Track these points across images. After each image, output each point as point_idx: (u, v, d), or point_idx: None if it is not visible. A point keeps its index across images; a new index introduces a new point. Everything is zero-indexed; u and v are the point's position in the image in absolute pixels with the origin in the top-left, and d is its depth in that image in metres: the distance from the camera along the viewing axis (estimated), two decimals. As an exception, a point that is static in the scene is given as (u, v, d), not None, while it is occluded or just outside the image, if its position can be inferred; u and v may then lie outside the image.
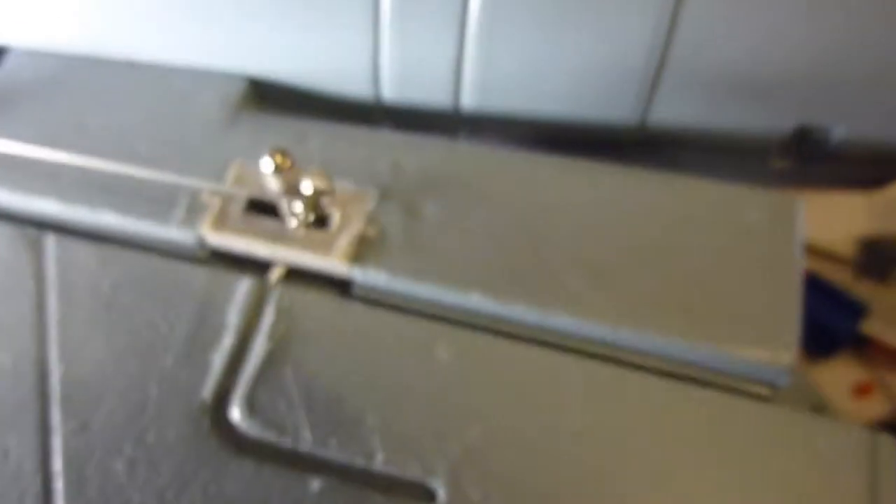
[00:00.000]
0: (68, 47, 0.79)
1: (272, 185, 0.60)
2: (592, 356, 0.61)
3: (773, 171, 0.77)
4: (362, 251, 0.64)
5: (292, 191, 0.60)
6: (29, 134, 0.73)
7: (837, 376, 1.27)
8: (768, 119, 0.71)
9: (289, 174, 0.58)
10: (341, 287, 0.65)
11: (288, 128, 0.72)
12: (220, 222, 0.65)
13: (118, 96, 0.76)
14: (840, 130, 0.72)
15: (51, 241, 0.67)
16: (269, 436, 0.57)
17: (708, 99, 0.70)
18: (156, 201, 0.67)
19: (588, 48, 0.68)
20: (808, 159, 0.76)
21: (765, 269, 0.62)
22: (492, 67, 0.70)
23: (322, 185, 0.60)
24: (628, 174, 0.68)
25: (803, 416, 0.59)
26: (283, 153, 0.58)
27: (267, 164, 0.57)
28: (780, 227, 0.64)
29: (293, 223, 0.61)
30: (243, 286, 0.63)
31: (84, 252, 0.66)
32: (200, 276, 0.64)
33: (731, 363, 0.60)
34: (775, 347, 0.58)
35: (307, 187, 0.60)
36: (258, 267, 0.66)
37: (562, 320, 0.61)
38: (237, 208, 0.66)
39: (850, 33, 0.64)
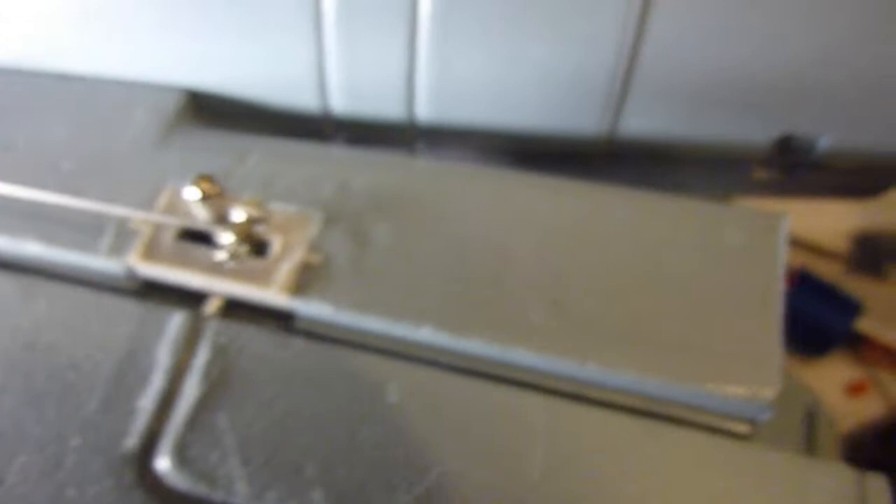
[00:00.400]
0: (-3, 60, 0.73)
1: (200, 213, 0.54)
2: (557, 393, 0.56)
3: (756, 182, 0.72)
4: (305, 281, 0.58)
5: (222, 219, 0.55)
6: (-51, 155, 0.67)
7: (831, 375, 1.23)
8: (748, 129, 0.66)
9: (217, 202, 0.53)
10: (282, 320, 0.60)
11: (226, 145, 0.66)
12: (151, 251, 0.60)
13: (45, 111, 0.70)
14: (825, 140, 0.67)
15: (-31, 274, 0.61)
16: (199, 489, 0.52)
17: (681, 109, 0.65)
18: (82, 229, 0.62)
19: (551, 54, 0.62)
20: (792, 169, 0.70)
21: (745, 297, 0.57)
22: (447, 75, 0.65)
23: (254, 213, 0.54)
24: (598, 192, 0.63)
25: (788, 456, 0.54)
26: (209, 180, 0.52)
27: (192, 193, 0.52)
28: (762, 249, 0.59)
29: (225, 254, 0.55)
30: (175, 321, 0.58)
31: (4, 285, 0.60)
32: (129, 310, 0.59)
33: (709, 400, 0.55)
34: (756, 383, 0.53)
35: (238, 215, 0.55)
36: (193, 299, 0.61)
37: (524, 355, 0.56)
38: (169, 236, 0.60)
39: (832, 40, 0.59)
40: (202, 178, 0.52)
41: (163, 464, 0.53)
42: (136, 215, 0.60)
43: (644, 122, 0.66)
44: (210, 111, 0.72)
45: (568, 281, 0.58)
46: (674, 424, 0.55)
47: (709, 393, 0.54)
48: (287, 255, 0.59)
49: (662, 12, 0.58)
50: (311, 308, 0.58)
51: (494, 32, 0.61)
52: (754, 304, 0.56)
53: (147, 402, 0.55)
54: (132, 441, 0.54)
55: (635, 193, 0.62)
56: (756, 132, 0.66)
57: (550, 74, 0.63)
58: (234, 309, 0.60)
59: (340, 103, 0.69)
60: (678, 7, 0.58)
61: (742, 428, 0.56)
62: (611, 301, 0.57)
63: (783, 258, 0.58)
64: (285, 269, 0.58)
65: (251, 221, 0.55)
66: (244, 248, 0.55)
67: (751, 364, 0.54)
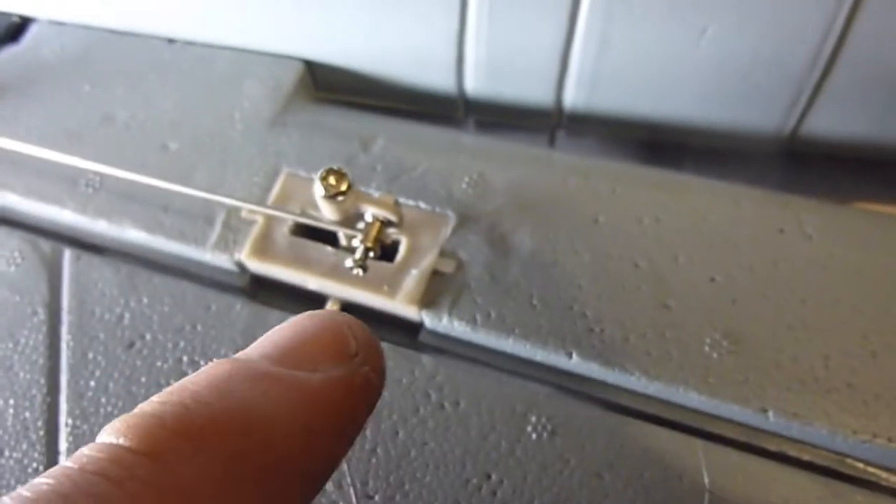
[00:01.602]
0: (99, 20, 0.67)
1: (326, 211, 0.47)
2: (727, 441, 0.47)
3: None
4: (435, 291, 0.51)
5: (351, 219, 0.48)
6: (50, 125, 0.62)
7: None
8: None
9: (346, 200, 0.46)
10: (408, 330, 0.53)
11: (348, 126, 0.59)
12: (264, 247, 0.53)
13: (151, 81, 0.64)
14: None
15: (67, 259, 0.56)
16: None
17: (881, 108, 0.54)
18: (189, 217, 0.56)
19: (738, 38, 0.52)
20: None
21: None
22: (607, 56, 0.55)
23: (389, 215, 0.47)
24: (783, 202, 0.53)
25: None
26: (340, 174, 0.45)
27: (319, 189, 0.45)
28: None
29: (354, 255, 0.48)
30: (289, 327, 0.52)
31: (104, 274, 0.55)
32: (239, 312, 0.53)
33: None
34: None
35: (369, 216, 0.47)
36: (308, 300, 0.54)
37: (692, 397, 0.47)
38: (285, 229, 0.53)
39: None
40: (332, 173, 0.45)
41: (274, 492, 0.47)
42: (249, 206, 0.53)
43: (837, 119, 0.55)
44: (329, 86, 0.64)
45: (747, 310, 0.49)
46: (867, 488, 0.46)
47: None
48: (415, 261, 0.51)
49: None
50: (442, 323, 0.51)
51: (671, 9, 0.51)
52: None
53: (257, 418, 0.49)
54: (240, 463, 0.48)
55: (829, 207, 0.52)
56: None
57: (732, 61, 0.53)
58: (354, 313, 0.53)
59: (477, 82, 0.60)
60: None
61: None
62: (799, 338, 0.48)
63: None
64: (413, 277, 0.51)
65: (384, 224, 0.47)
66: (373, 254, 0.48)
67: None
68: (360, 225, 0.49)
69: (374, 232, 0.47)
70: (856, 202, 0.59)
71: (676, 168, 0.56)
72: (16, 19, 0.70)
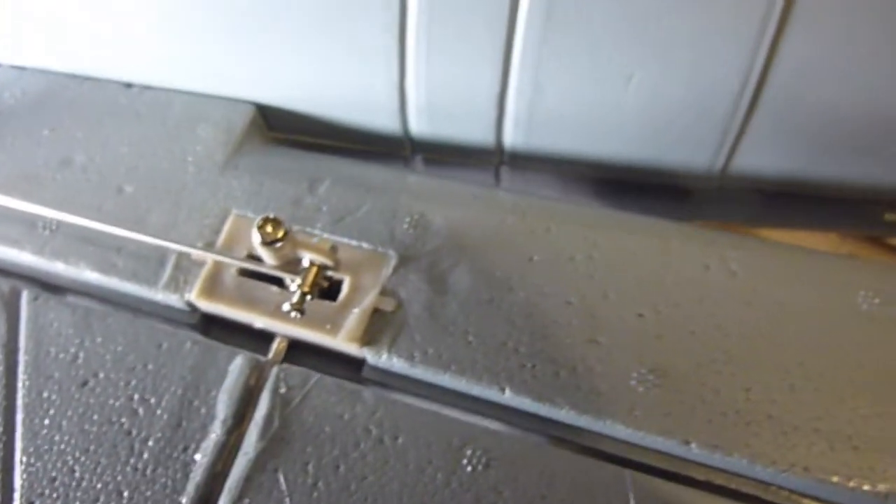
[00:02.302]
0: (58, 65, 0.69)
1: (265, 257, 0.49)
2: (654, 471, 0.49)
3: (887, 223, 0.63)
4: (375, 329, 0.53)
5: (291, 263, 0.50)
6: (10, 168, 0.64)
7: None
8: (879, 171, 0.57)
9: (284, 247, 0.48)
10: (352, 365, 0.55)
11: (296, 168, 0.61)
12: (213, 288, 0.55)
13: (109, 124, 0.66)
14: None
15: (25, 299, 0.58)
16: (256, 558, 0.48)
17: (806, 145, 0.56)
18: (142, 259, 0.58)
19: (664, 81, 0.54)
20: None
21: (879, 374, 0.49)
22: (541, 100, 0.58)
23: (324, 261, 0.49)
24: (710, 238, 0.55)
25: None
26: (276, 222, 0.47)
27: (257, 236, 0.47)
28: (900, 316, 0.51)
29: (291, 299, 0.50)
30: (237, 364, 0.53)
31: (60, 314, 0.57)
32: (189, 349, 0.54)
33: (833, 493, 0.47)
34: (890, 480, 0.46)
35: (307, 261, 0.49)
36: (255, 336, 0.56)
37: (619, 429, 0.49)
38: (232, 271, 0.56)
39: None
40: (268, 221, 0.47)
41: (218, 527, 0.49)
42: (198, 253, 0.55)
43: (762, 157, 0.58)
44: (281, 126, 0.67)
45: (673, 345, 0.51)
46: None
47: (833, 486, 0.47)
48: (357, 300, 0.54)
49: (795, 40, 0.50)
50: (382, 359, 0.53)
51: (599, 55, 0.54)
52: (891, 382, 0.49)
53: (204, 455, 0.51)
54: (187, 499, 0.50)
55: (753, 242, 0.55)
56: (887, 175, 0.57)
57: (660, 105, 0.55)
58: (299, 350, 0.56)
59: (421, 125, 0.63)
60: (812, 35, 0.50)
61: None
62: (721, 371, 0.50)
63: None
64: (355, 316, 0.53)
65: (320, 269, 0.49)
66: (310, 297, 0.50)
67: (885, 454, 0.47)
68: (301, 268, 0.51)
69: (311, 276, 0.49)
70: (784, 230, 0.62)
71: (618, 202, 0.59)
72: (-22, 64, 0.72)
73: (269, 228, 0.47)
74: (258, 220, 0.47)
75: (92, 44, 0.66)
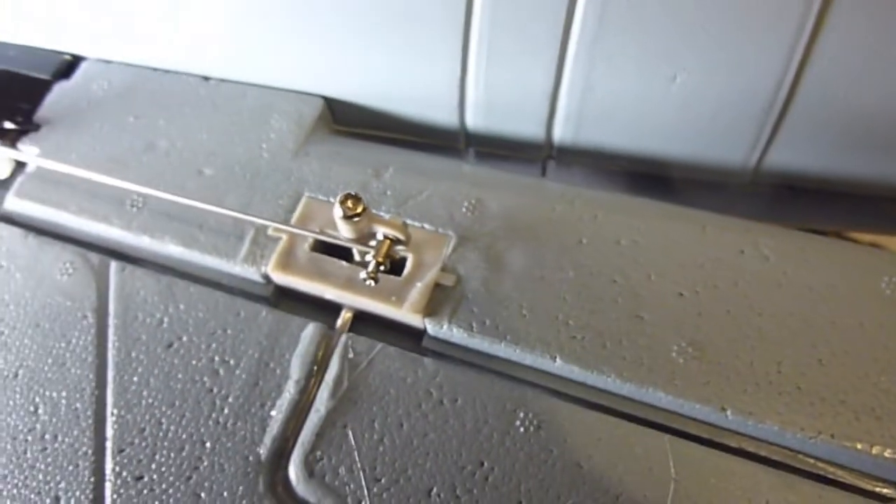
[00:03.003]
0: (142, 59, 0.75)
1: (343, 230, 0.55)
2: (692, 437, 0.54)
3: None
4: (436, 302, 0.58)
5: (364, 238, 0.55)
6: (98, 152, 0.70)
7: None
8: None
9: (361, 221, 0.53)
10: (412, 336, 0.60)
11: (362, 156, 0.66)
12: (287, 262, 0.60)
13: (189, 114, 0.72)
14: None
15: (113, 270, 0.63)
16: (327, 503, 0.53)
17: (837, 143, 0.61)
18: (222, 234, 0.63)
19: (704, 83, 0.59)
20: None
21: (900, 352, 0.54)
22: (590, 98, 0.63)
23: (397, 234, 0.54)
24: (745, 227, 0.60)
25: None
26: (356, 199, 0.52)
27: (338, 210, 0.52)
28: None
29: (363, 271, 0.55)
30: (308, 332, 0.59)
31: (146, 284, 0.62)
32: (264, 317, 0.60)
33: (855, 459, 0.51)
34: (908, 448, 0.50)
35: (380, 235, 0.55)
36: (324, 308, 0.61)
37: (659, 397, 0.54)
38: (305, 246, 0.61)
39: None
40: (350, 197, 0.52)
41: (293, 475, 0.54)
42: (275, 225, 0.61)
43: (793, 154, 0.62)
44: (346, 120, 0.72)
45: (710, 321, 0.56)
46: (813, 480, 0.52)
47: (856, 452, 0.51)
48: (420, 275, 0.59)
49: (829, 42, 0.55)
50: (442, 330, 0.58)
51: (646, 59, 0.59)
52: (913, 362, 0.53)
53: (279, 412, 0.56)
54: (264, 450, 0.55)
55: (785, 231, 0.59)
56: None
57: (699, 103, 0.60)
58: (365, 321, 0.61)
59: (477, 119, 0.68)
60: (846, 37, 0.54)
61: (888, 491, 0.52)
62: (755, 346, 0.55)
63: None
64: (418, 289, 0.58)
65: (393, 243, 0.55)
66: (383, 267, 0.55)
67: (905, 427, 0.51)
68: (372, 243, 0.56)
69: (384, 249, 0.55)
70: (812, 227, 0.66)
71: (656, 196, 0.63)
72: (67, 58, 0.78)
73: (349, 204, 0.52)
74: (340, 195, 0.52)
75: (173, 40, 0.72)
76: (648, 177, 0.69)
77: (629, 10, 0.56)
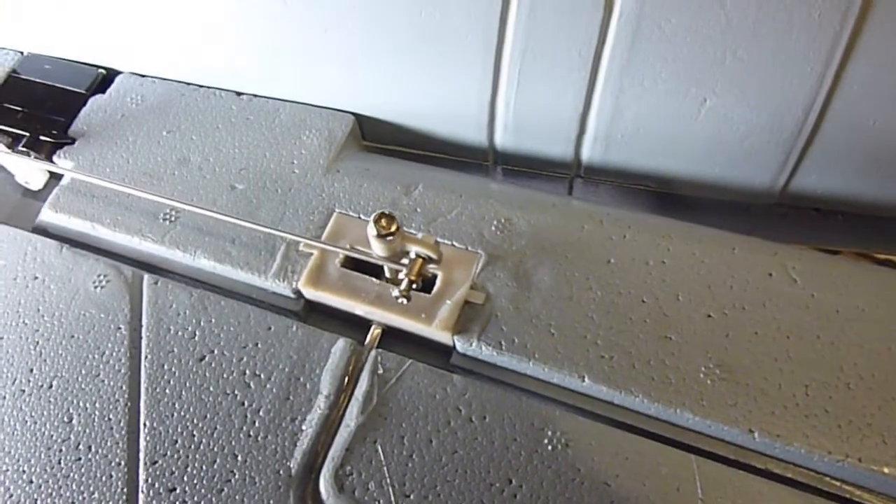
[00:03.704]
0: (176, 74, 0.77)
1: (376, 248, 0.55)
2: (718, 458, 0.54)
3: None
4: (466, 320, 0.59)
5: (396, 256, 0.56)
6: (132, 166, 0.71)
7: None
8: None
9: (395, 240, 0.54)
10: (442, 353, 0.61)
11: (392, 174, 0.67)
12: (318, 278, 0.61)
13: (221, 129, 0.73)
14: None
15: (146, 283, 0.64)
16: (357, 518, 0.53)
17: (864, 169, 0.61)
18: (254, 249, 0.64)
19: (733, 109, 0.60)
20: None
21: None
22: (619, 121, 0.64)
23: (430, 254, 0.55)
24: (772, 249, 0.60)
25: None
26: (390, 218, 0.53)
27: (373, 229, 0.53)
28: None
29: (395, 289, 0.56)
30: (339, 347, 0.59)
31: (179, 297, 0.63)
32: (294, 331, 0.61)
33: (883, 483, 0.52)
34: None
35: (413, 254, 0.55)
36: (354, 324, 0.62)
37: (687, 418, 0.54)
38: (336, 262, 0.62)
39: None
40: (384, 216, 0.53)
41: (323, 489, 0.54)
42: (307, 241, 0.62)
43: (821, 178, 0.63)
44: (376, 137, 0.73)
45: (738, 343, 0.56)
46: (840, 503, 0.53)
47: (883, 476, 0.51)
48: (450, 293, 0.59)
49: (859, 69, 0.55)
50: (471, 347, 0.58)
51: (676, 83, 0.60)
52: (941, 387, 0.53)
53: (309, 426, 0.57)
54: (294, 464, 0.55)
55: (812, 254, 0.60)
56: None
57: (728, 126, 0.61)
58: (394, 337, 0.61)
59: (506, 138, 0.69)
60: (875, 64, 0.55)
61: (913, 514, 0.53)
62: (783, 368, 0.55)
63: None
64: (448, 307, 0.59)
65: (425, 262, 0.55)
66: (416, 286, 0.56)
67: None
68: (404, 261, 0.57)
69: (417, 267, 0.55)
70: (839, 249, 0.67)
71: (681, 216, 0.64)
72: (102, 72, 0.79)
73: (383, 223, 0.53)
74: (375, 214, 0.53)
75: (207, 56, 0.74)
76: (674, 197, 0.70)
77: (660, 36, 0.57)
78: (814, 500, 0.52)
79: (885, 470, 0.51)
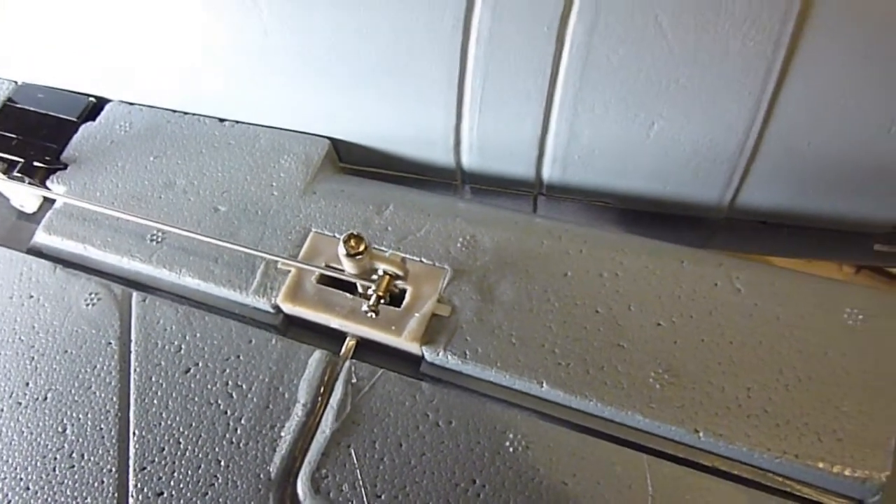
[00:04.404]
0: (162, 102, 0.81)
1: (347, 266, 0.60)
2: (667, 457, 0.58)
3: (876, 254, 0.72)
4: (433, 331, 0.63)
5: (367, 272, 0.60)
6: (121, 189, 0.75)
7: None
8: (868, 207, 0.67)
9: (363, 259, 0.58)
10: (412, 362, 0.65)
11: (365, 194, 0.72)
12: (295, 294, 0.65)
13: (205, 154, 0.77)
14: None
15: (135, 300, 0.69)
16: (332, 518, 0.57)
17: (803, 185, 0.66)
18: (235, 267, 0.68)
19: (680, 131, 0.65)
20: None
21: (864, 379, 0.58)
22: (575, 143, 0.68)
23: (397, 271, 0.59)
24: (717, 260, 0.65)
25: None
26: (359, 238, 0.57)
27: (342, 249, 0.57)
28: (880, 331, 0.60)
29: (365, 303, 0.60)
30: (315, 359, 0.64)
31: (166, 313, 0.67)
32: (274, 345, 0.65)
33: (818, 477, 0.56)
34: (868, 467, 0.54)
35: (381, 271, 0.60)
36: (329, 336, 0.66)
37: (637, 419, 0.59)
38: (312, 280, 0.66)
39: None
40: (353, 237, 0.57)
41: (300, 491, 0.58)
42: (284, 260, 0.66)
43: (764, 193, 0.67)
44: (351, 159, 0.78)
45: (685, 349, 0.60)
46: (780, 496, 0.57)
47: (819, 471, 0.55)
48: (418, 306, 0.64)
49: (792, 94, 0.60)
50: (438, 357, 0.62)
51: (625, 108, 0.64)
52: (871, 386, 0.57)
53: (288, 432, 0.61)
54: (274, 468, 0.59)
55: (757, 266, 0.64)
56: (878, 211, 0.67)
57: (675, 147, 0.65)
58: (367, 348, 0.66)
59: (471, 159, 0.74)
60: (806, 90, 0.60)
61: (850, 507, 0.57)
62: (726, 372, 0.59)
63: (901, 339, 0.58)
64: (416, 319, 0.63)
65: (393, 278, 0.60)
66: (383, 301, 0.60)
67: (864, 446, 0.55)
68: (374, 277, 0.61)
69: (384, 284, 0.60)
70: (784, 257, 0.71)
71: (639, 230, 0.68)
72: (92, 100, 0.84)
73: (352, 243, 0.57)
74: (344, 235, 0.57)
75: (191, 86, 0.78)
76: (633, 212, 0.74)
77: (608, 66, 0.62)
78: (757, 494, 0.56)
79: (820, 465, 0.55)
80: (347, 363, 0.63)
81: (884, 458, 0.55)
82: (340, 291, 0.65)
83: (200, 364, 0.65)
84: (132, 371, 0.65)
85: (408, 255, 0.67)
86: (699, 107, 0.63)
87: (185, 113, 0.81)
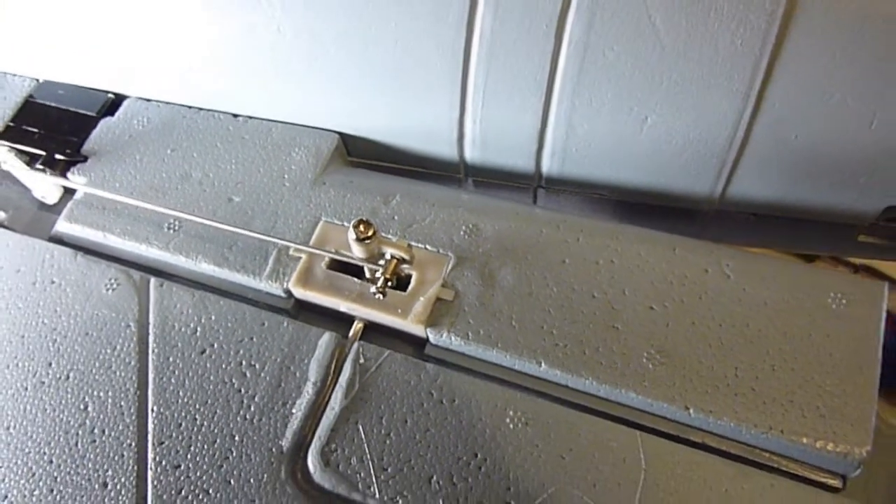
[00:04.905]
0: (178, 98, 0.85)
1: (356, 251, 0.63)
2: (659, 433, 0.61)
3: (860, 244, 0.75)
4: (437, 315, 0.66)
5: (374, 258, 0.63)
6: (140, 181, 0.79)
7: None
8: (854, 198, 0.70)
9: (371, 243, 0.61)
10: (416, 345, 0.68)
11: (372, 186, 0.75)
12: (306, 279, 0.69)
13: (220, 147, 0.81)
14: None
15: (153, 285, 0.72)
16: (341, 489, 0.60)
17: (790, 178, 0.69)
18: (249, 254, 0.72)
19: (672, 125, 0.68)
20: (896, 237, 0.74)
21: (844, 359, 0.61)
22: (573, 137, 0.72)
23: (403, 255, 0.63)
24: (707, 248, 0.68)
25: (877, 512, 0.58)
26: (367, 223, 0.61)
27: (352, 234, 0.61)
28: (863, 316, 0.63)
29: (373, 286, 0.64)
30: (325, 340, 0.67)
31: (182, 298, 0.71)
32: (286, 328, 0.68)
33: (802, 452, 0.59)
34: (849, 442, 0.57)
35: (388, 255, 0.63)
36: (338, 320, 0.70)
37: (630, 397, 0.62)
38: (322, 265, 0.69)
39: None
40: (362, 222, 0.60)
41: (311, 464, 0.61)
42: (296, 246, 0.69)
43: (753, 186, 0.71)
44: (359, 153, 0.82)
45: (676, 332, 0.64)
46: (767, 471, 0.60)
47: (803, 446, 0.58)
48: (423, 290, 0.67)
49: (779, 89, 0.63)
50: (441, 339, 0.66)
51: (620, 103, 0.68)
52: (852, 366, 0.60)
53: (299, 409, 0.64)
54: (285, 443, 0.63)
55: (745, 254, 0.67)
56: (861, 202, 0.70)
57: (668, 141, 0.69)
58: (374, 331, 0.69)
59: (474, 153, 0.77)
60: (793, 85, 0.63)
61: (833, 481, 0.59)
62: (715, 353, 0.62)
63: (881, 325, 0.61)
64: (421, 303, 0.66)
65: (399, 262, 0.63)
66: (390, 284, 0.63)
67: (846, 422, 0.58)
68: (381, 262, 0.65)
69: (392, 267, 0.63)
70: (774, 248, 0.74)
71: (635, 221, 0.71)
72: (111, 97, 0.87)
73: (361, 228, 0.60)
74: (354, 220, 0.61)
75: (206, 83, 0.82)
76: (628, 204, 0.78)
77: (604, 62, 0.65)
78: (743, 468, 0.59)
79: (804, 440, 0.58)
80: (356, 345, 0.66)
81: (865, 434, 0.58)
82: (349, 277, 0.68)
83: (215, 345, 0.68)
84: (150, 352, 0.68)
85: (413, 243, 0.70)
86: (690, 102, 0.66)
87: (201, 109, 0.84)
